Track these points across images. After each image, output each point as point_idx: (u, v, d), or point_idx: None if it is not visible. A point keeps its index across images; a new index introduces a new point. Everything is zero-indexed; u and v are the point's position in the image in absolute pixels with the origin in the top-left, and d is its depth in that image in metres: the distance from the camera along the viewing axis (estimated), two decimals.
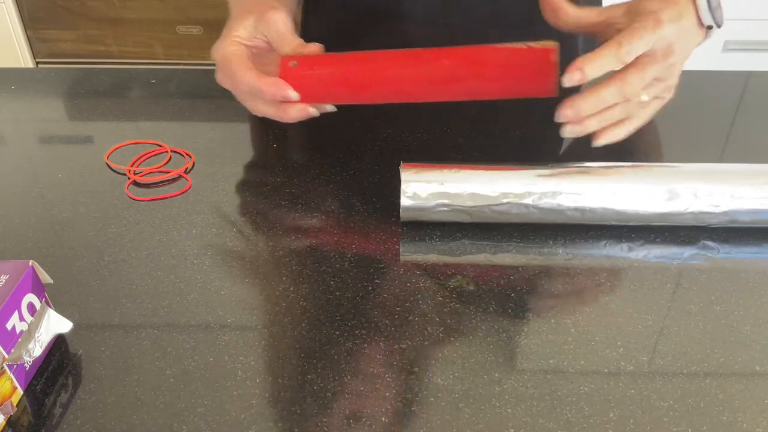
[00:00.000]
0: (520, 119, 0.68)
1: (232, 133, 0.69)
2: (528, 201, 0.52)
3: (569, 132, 0.53)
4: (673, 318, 0.47)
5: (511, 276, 0.51)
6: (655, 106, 0.56)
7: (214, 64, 0.63)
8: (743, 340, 0.45)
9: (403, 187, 0.52)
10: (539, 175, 0.52)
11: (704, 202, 0.52)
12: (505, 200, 0.52)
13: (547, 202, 0.52)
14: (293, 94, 0.58)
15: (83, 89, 0.78)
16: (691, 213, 0.52)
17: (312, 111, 0.60)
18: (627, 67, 0.52)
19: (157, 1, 1.77)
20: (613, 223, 0.54)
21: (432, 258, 0.52)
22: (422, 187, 0.52)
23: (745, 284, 0.50)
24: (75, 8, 1.78)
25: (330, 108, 0.62)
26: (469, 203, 0.52)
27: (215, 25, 1.78)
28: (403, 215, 0.53)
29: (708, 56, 1.78)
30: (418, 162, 0.54)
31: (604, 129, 0.54)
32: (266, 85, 0.58)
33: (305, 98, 0.58)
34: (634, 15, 0.53)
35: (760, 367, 0.44)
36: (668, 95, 0.56)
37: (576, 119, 0.52)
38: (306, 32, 0.89)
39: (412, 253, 0.53)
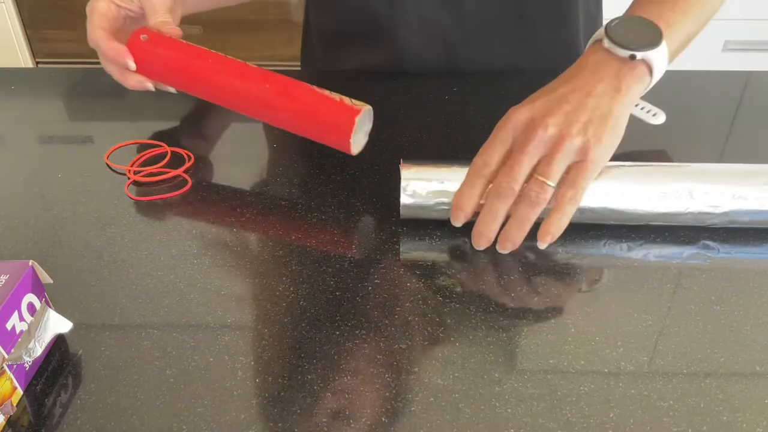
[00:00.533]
0: None
1: (232, 133, 0.69)
2: None
3: (502, 249, 0.50)
4: (673, 318, 0.47)
5: (511, 276, 0.51)
6: (580, 175, 0.49)
7: None
8: (743, 340, 0.45)
9: (403, 185, 0.52)
10: None
11: (703, 203, 0.51)
12: None
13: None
14: (131, 64, 0.63)
15: (83, 89, 0.78)
16: (691, 213, 0.52)
17: (149, 86, 0.65)
18: (499, 171, 0.50)
19: None
20: (613, 222, 0.54)
21: (432, 258, 0.52)
22: (422, 186, 0.52)
23: (745, 284, 0.50)
24: (75, 8, 1.78)
25: (170, 89, 0.66)
26: None
27: (215, 25, 1.78)
28: (403, 213, 0.53)
29: (708, 56, 1.78)
30: (418, 161, 0.54)
31: (540, 230, 0.50)
32: (108, 48, 0.63)
33: (143, 72, 0.64)
34: None
35: (760, 367, 0.44)
36: (591, 155, 0.48)
37: (485, 238, 0.50)
38: (307, 26, 0.90)
39: (412, 253, 0.53)
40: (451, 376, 0.43)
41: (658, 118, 0.58)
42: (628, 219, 0.53)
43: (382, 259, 0.52)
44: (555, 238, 0.49)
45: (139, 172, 0.62)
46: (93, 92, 0.77)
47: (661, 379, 0.43)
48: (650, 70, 0.52)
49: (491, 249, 0.52)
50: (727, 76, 0.79)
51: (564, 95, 0.50)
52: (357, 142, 0.59)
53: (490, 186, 0.50)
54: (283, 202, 0.59)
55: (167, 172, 0.62)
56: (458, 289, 0.50)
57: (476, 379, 0.43)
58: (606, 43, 0.52)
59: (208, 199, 0.59)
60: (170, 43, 0.63)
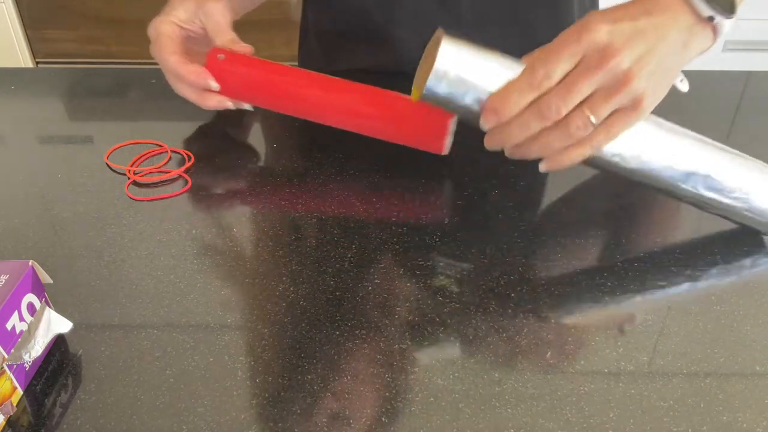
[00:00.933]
0: None
1: (232, 133, 0.69)
2: None
3: (509, 155, 0.49)
4: (673, 318, 0.47)
5: (511, 276, 0.51)
6: (619, 124, 0.47)
7: None
8: (743, 340, 0.45)
9: (437, 65, 0.48)
10: None
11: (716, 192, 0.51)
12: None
13: None
14: (214, 84, 0.62)
15: (83, 89, 0.78)
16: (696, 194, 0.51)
17: (229, 104, 0.64)
18: (552, 88, 0.46)
19: (157, 1, 1.77)
20: (616, 171, 0.51)
21: (432, 258, 0.52)
22: (462, 69, 0.48)
23: (745, 284, 0.50)
24: (75, 8, 1.78)
25: (247, 106, 0.65)
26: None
27: None
28: (426, 95, 0.50)
29: (708, 56, 1.78)
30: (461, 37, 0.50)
31: (550, 155, 0.49)
32: (187, 72, 0.62)
33: (224, 91, 0.63)
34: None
35: (760, 367, 0.44)
36: (643, 106, 0.47)
37: (501, 144, 0.48)
38: (305, 26, 0.90)
39: (412, 253, 0.53)
40: (451, 376, 0.43)
41: (684, 85, 0.56)
42: (635, 174, 0.51)
43: (382, 259, 0.52)
44: (560, 169, 0.48)
45: (139, 172, 0.62)
46: (93, 92, 0.77)
47: (661, 379, 0.43)
48: (715, 37, 0.50)
49: (491, 248, 0.52)
50: (727, 76, 0.79)
51: (643, 30, 0.46)
52: (448, 143, 0.60)
53: (537, 99, 0.46)
54: (283, 202, 0.59)
55: (167, 172, 0.62)
56: (458, 289, 0.50)
57: (476, 379, 0.43)
58: (705, 10, 0.47)
59: (208, 199, 0.59)
60: (248, 61, 0.63)
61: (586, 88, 0.45)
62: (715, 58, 1.68)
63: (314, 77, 0.62)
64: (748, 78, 0.78)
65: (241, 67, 0.62)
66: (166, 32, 0.63)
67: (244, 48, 0.64)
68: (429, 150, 0.61)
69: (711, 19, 0.48)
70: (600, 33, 0.45)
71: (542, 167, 0.49)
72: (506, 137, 0.48)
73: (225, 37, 0.63)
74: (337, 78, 0.62)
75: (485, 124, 0.48)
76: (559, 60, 0.46)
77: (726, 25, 0.49)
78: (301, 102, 0.62)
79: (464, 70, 0.48)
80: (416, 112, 0.60)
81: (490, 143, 0.49)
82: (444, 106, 0.50)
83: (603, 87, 0.46)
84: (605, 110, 0.46)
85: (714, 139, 0.67)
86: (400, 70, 0.78)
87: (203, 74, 0.61)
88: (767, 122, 0.70)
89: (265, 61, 0.63)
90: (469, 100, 0.49)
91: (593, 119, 0.46)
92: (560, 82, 0.46)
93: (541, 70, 0.46)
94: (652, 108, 0.48)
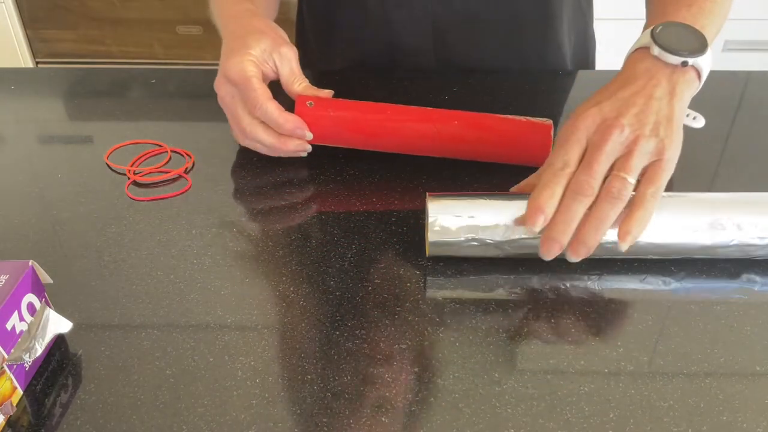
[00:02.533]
0: None
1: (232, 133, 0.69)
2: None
3: (575, 253, 0.48)
4: (673, 318, 0.47)
5: (511, 276, 0.50)
6: (658, 173, 0.48)
7: (213, 64, 0.63)
8: (743, 340, 0.45)
9: (431, 220, 0.49)
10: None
11: (749, 234, 0.49)
12: (540, 234, 0.48)
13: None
14: (309, 134, 0.60)
15: (83, 89, 0.78)
16: (736, 245, 0.49)
17: (309, 148, 0.62)
18: (575, 171, 0.48)
19: (157, 1, 1.77)
20: (653, 257, 0.51)
21: (432, 258, 0.52)
22: (451, 221, 0.49)
23: (745, 284, 0.50)
24: (75, 8, 1.78)
25: (308, 148, 0.62)
26: (498, 238, 0.49)
27: (215, 26, 1.78)
28: (432, 251, 0.51)
29: None
30: (444, 193, 0.51)
31: (620, 231, 0.48)
32: (286, 120, 0.59)
33: (316, 138, 0.61)
34: None
35: (760, 367, 0.44)
36: (666, 156, 0.48)
37: (557, 242, 0.47)
38: (301, 20, 0.91)
39: (412, 253, 0.53)
40: (451, 376, 0.43)
41: (699, 121, 0.57)
42: (669, 253, 0.50)
43: (382, 259, 0.52)
44: (636, 238, 0.47)
45: (139, 172, 0.62)
46: (93, 92, 0.77)
47: (661, 379, 0.43)
48: (699, 76, 0.53)
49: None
50: (727, 76, 0.79)
51: (628, 98, 0.50)
52: None
53: (567, 186, 0.48)
54: (282, 202, 0.59)
55: (167, 172, 0.62)
56: (458, 290, 0.50)
57: (476, 379, 0.43)
58: (656, 50, 0.51)
59: (208, 199, 0.59)
60: (337, 105, 0.62)
61: (604, 159, 0.47)
62: (715, 58, 1.68)
63: (409, 111, 0.61)
64: (748, 78, 0.78)
65: (333, 111, 0.61)
66: (254, 74, 0.59)
67: (326, 92, 0.62)
68: (535, 164, 0.55)
69: (685, 63, 0.51)
70: (591, 116, 0.49)
71: (622, 245, 0.47)
72: (559, 233, 0.47)
73: (302, 83, 0.62)
74: (428, 108, 0.61)
75: (534, 226, 0.47)
76: (569, 150, 0.48)
77: (703, 64, 0.52)
78: (402, 138, 0.61)
79: (455, 233, 0.49)
80: (519, 129, 0.60)
81: (548, 249, 0.48)
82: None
83: (619, 156, 0.48)
84: (635, 166, 0.48)
85: (714, 138, 0.68)
86: (392, 58, 0.79)
87: (302, 124, 0.60)
88: (767, 122, 0.70)
89: (350, 102, 0.62)
90: (475, 242, 0.50)
91: (629, 178, 0.47)
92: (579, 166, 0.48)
93: (559, 162, 0.48)
94: (677, 153, 0.49)
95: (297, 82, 0.62)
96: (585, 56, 0.88)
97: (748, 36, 1.68)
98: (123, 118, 0.71)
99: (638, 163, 0.48)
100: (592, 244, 0.47)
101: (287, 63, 0.62)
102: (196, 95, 0.76)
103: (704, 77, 0.53)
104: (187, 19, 1.79)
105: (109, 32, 1.81)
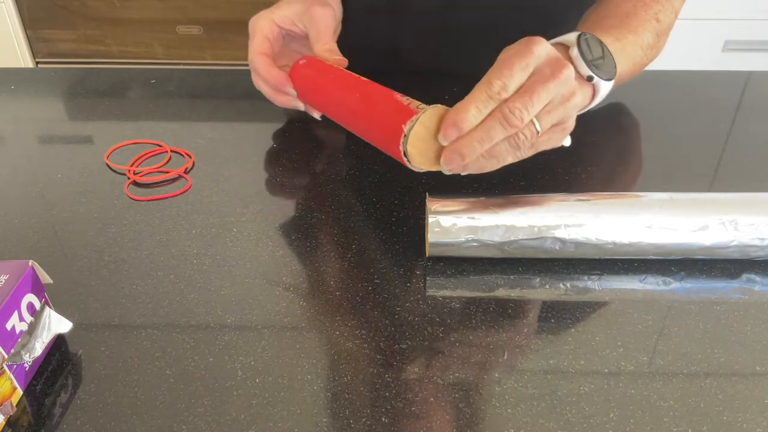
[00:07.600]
0: None
1: (232, 133, 0.69)
2: (563, 235, 0.49)
3: (448, 172, 0.47)
4: (673, 318, 0.47)
5: (511, 276, 0.51)
6: (554, 138, 0.48)
7: (213, 64, 0.63)
8: (743, 340, 0.45)
9: (431, 221, 0.49)
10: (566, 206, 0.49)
11: (749, 235, 0.48)
12: (540, 235, 0.49)
13: (576, 234, 0.49)
14: (291, 91, 0.63)
15: (83, 89, 0.78)
16: (736, 246, 0.49)
17: (300, 105, 0.65)
18: (511, 96, 0.45)
19: (157, 1, 1.77)
20: (653, 257, 0.51)
21: (432, 258, 0.52)
22: (451, 221, 0.49)
23: (745, 284, 0.50)
24: (75, 8, 1.78)
25: (316, 115, 0.65)
26: (497, 239, 0.49)
27: (215, 25, 1.78)
28: (431, 251, 0.50)
29: (708, 56, 1.78)
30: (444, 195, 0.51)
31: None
32: (269, 75, 0.63)
33: (300, 97, 0.63)
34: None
35: (760, 367, 0.44)
36: (568, 125, 0.48)
37: (460, 159, 0.46)
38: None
39: (412, 253, 0.53)
40: (451, 376, 0.43)
41: (567, 140, 0.53)
42: (668, 253, 0.50)
43: (382, 259, 0.52)
44: (463, 162, 0.46)
45: (139, 172, 0.62)
46: (93, 92, 0.77)
47: (661, 379, 0.43)
48: (593, 97, 0.52)
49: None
50: (727, 76, 0.79)
51: (560, 58, 0.48)
52: (420, 156, 0.47)
53: (496, 109, 0.45)
54: (283, 202, 0.59)
55: (167, 172, 0.62)
56: (458, 290, 0.50)
57: (476, 379, 0.43)
58: (574, 52, 0.51)
59: (208, 199, 0.59)
60: (322, 68, 0.60)
61: (544, 95, 0.45)
62: (715, 58, 1.68)
63: (347, 79, 0.57)
64: (748, 78, 0.78)
65: (309, 72, 0.61)
66: (262, 30, 0.64)
67: (340, 61, 0.61)
68: (393, 156, 0.49)
69: (590, 79, 0.51)
70: (543, 46, 0.46)
71: (443, 169, 0.47)
72: (467, 150, 0.45)
73: (323, 46, 0.62)
74: (359, 78, 0.56)
75: (444, 139, 0.45)
76: (513, 72, 0.45)
77: (603, 90, 0.52)
78: (334, 107, 0.58)
79: (452, 237, 0.49)
80: (385, 110, 0.50)
81: (449, 160, 0.46)
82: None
83: (554, 99, 0.46)
84: (547, 123, 0.46)
85: (714, 138, 0.68)
86: (395, 49, 0.79)
87: (283, 81, 0.62)
88: (767, 122, 0.70)
89: (331, 68, 0.59)
90: (475, 243, 0.49)
91: (539, 128, 0.46)
92: (516, 92, 0.46)
93: (497, 82, 0.45)
94: (571, 130, 0.49)
95: (318, 44, 0.63)
96: None
97: (748, 36, 1.68)
98: (123, 118, 0.72)
99: (553, 121, 0.47)
100: (468, 166, 0.46)
101: (314, 25, 0.64)
102: (196, 95, 0.76)
103: (593, 104, 0.54)
104: (187, 19, 1.79)
105: (109, 32, 1.81)
